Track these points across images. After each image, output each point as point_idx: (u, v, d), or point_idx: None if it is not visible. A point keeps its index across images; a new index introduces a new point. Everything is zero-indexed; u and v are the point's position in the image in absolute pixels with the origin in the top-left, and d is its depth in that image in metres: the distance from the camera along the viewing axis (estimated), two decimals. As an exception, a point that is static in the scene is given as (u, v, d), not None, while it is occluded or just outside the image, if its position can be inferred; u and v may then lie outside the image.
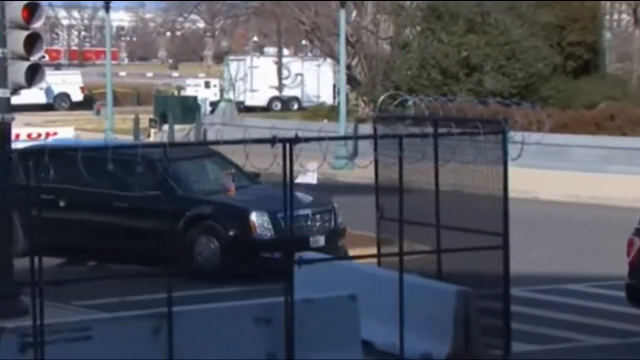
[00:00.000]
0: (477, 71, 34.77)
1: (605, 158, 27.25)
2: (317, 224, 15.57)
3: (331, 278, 10.89)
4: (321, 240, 15.44)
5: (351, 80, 40.73)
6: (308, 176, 17.71)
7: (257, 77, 59.31)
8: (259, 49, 68.90)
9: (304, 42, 61.56)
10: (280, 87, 60.39)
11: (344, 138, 23.17)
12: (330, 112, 42.72)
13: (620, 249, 17.10)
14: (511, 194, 10.68)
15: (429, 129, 11.45)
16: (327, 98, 57.92)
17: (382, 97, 16.81)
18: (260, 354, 9.50)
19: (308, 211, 15.51)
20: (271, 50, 65.02)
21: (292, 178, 9.49)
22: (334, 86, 54.17)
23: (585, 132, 29.59)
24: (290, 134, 9.52)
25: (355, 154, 28.31)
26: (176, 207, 15.26)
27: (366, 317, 10.14)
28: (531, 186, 23.16)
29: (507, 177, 10.55)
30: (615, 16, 53.53)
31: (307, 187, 17.01)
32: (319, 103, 55.79)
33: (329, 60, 51.82)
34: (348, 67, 37.65)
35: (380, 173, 12.13)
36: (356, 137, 28.51)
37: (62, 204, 15.67)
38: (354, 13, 42.78)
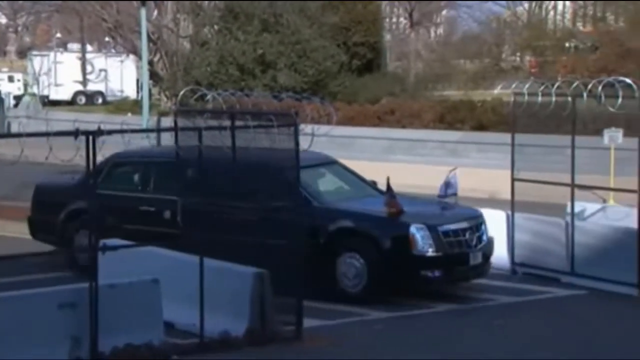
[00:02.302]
0: (272, 68, 34.96)
1: (388, 148, 27.93)
2: (475, 237, 12.84)
3: (136, 264, 10.69)
4: (479, 256, 12.83)
5: (154, 75, 40.16)
6: (451, 185, 13.61)
7: (61, 72, 57.64)
8: (63, 45, 66.77)
9: (107, 38, 60.12)
10: (84, 82, 58.87)
11: (146, 131, 22.66)
12: (134, 106, 41.97)
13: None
14: (303, 181, 10.79)
15: (227, 122, 11.43)
16: (131, 92, 56.90)
17: (182, 92, 16.64)
18: (66, 338, 9.23)
19: (465, 224, 12.79)
20: (75, 46, 63.19)
21: (94, 169, 9.22)
22: (137, 81, 53.27)
23: (369, 125, 30.19)
24: (94, 127, 9.28)
25: (158, 145, 27.94)
26: (315, 221, 12.21)
27: (168, 299, 10.03)
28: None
29: (299, 166, 10.66)
30: (394, 19, 55.09)
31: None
32: (122, 97, 54.73)
33: (131, 56, 50.88)
34: (150, 63, 37.07)
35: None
36: (158, 130, 28.24)
37: (167, 216, 13.06)
38: (155, 12, 42.17)
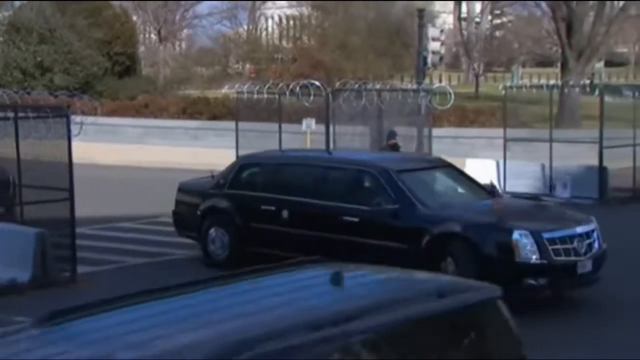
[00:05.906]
0: (49, 72, 33.59)
1: (143, 134, 27.42)
2: (584, 245, 9.38)
3: None
4: (588, 265, 9.34)
5: (-54, 77, 36.75)
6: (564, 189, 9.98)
7: None
8: None
9: None
10: None
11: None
12: None
13: (157, 196, 17.40)
14: (75, 160, 10.43)
15: (11, 114, 10.83)
16: None
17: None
18: None
19: (573, 231, 9.40)
20: None
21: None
22: None
23: (129, 116, 29.60)
24: None
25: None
26: (418, 224, 9.55)
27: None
28: (90, 155, 22.50)
29: (71, 148, 10.30)
30: (147, 35, 54.23)
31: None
32: None
33: None
34: (-57, 67, 33.97)
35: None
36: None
37: (285, 215, 10.54)
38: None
